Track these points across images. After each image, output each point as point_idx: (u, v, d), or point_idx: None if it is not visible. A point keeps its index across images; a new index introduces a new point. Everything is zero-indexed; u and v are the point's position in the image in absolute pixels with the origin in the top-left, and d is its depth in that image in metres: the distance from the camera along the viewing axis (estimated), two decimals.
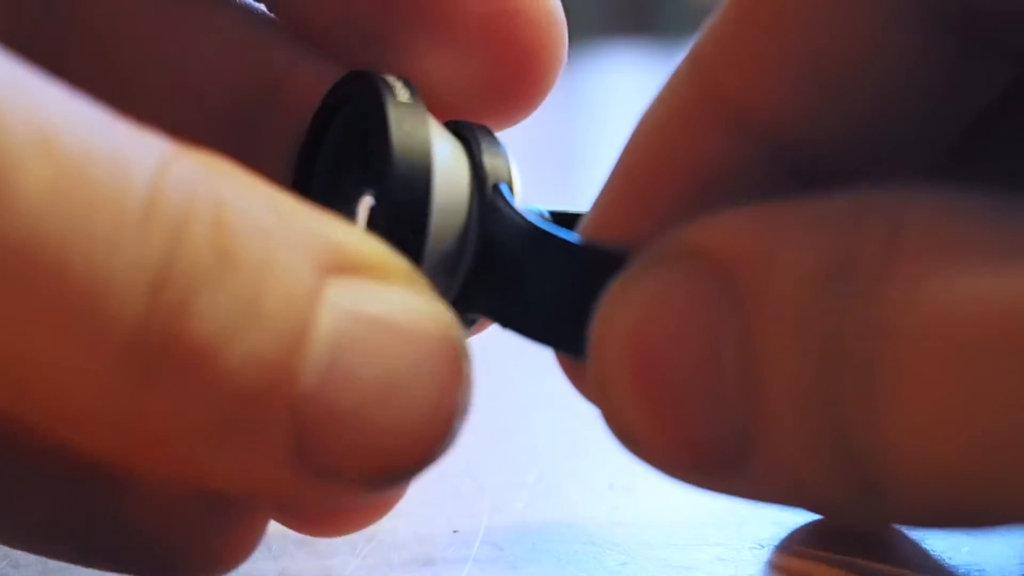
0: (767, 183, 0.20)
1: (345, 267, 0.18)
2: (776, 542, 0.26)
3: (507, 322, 0.22)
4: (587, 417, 0.35)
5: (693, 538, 0.26)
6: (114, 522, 0.20)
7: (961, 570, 0.24)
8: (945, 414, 0.16)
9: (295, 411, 0.17)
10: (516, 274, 0.21)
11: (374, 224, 0.21)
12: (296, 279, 0.17)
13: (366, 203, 0.22)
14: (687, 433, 0.18)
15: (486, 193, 0.21)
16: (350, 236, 0.18)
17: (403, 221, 0.20)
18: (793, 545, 0.26)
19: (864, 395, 0.17)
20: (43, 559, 0.24)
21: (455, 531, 0.26)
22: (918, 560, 0.25)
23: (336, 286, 0.17)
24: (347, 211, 0.22)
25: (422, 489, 0.28)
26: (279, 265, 0.17)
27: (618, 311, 0.19)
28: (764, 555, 0.25)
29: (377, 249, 0.18)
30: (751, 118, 0.20)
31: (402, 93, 0.21)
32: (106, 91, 0.18)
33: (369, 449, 0.17)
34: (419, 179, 0.20)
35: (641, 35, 1.51)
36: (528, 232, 0.21)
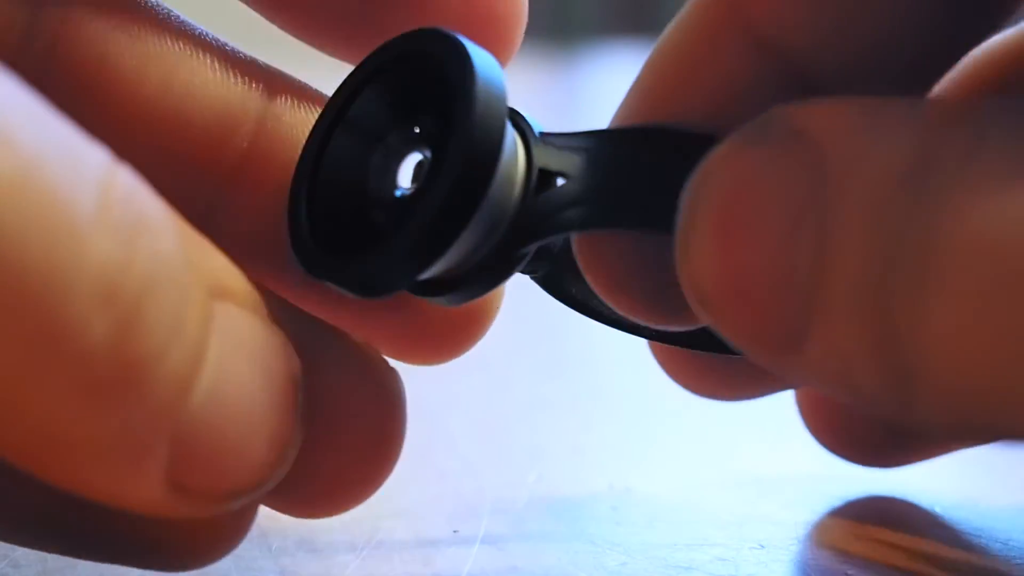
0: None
1: (225, 293, 0.18)
2: (776, 541, 0.26)
3: (594, 222, 0.22)
4: (587, 417, 0.35)
5: (693, 538, 0.26)
6: (105, 515, 0.20)
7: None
8: (985, 326, 0.17)
9: (176, 430, 0.17)
10: (590, 183, 0.22)
11: (426, 179, 0.21)
12: (204, 300, 0.18)
13: (415, 159, 0.22)
14: (756, 303, 0.19)
15: (532, 136, 0.22)
16: (225, 262, 0.19)
17: (472, 172, 0.20)
18: (831, 521, 0.26)
19: (917, 293, 0.17)
20: (43, 558, 0.24)
21: (455, 531, 0.26)
22: (985, 542, 0.26)
23: (220, 311, 0.18)
24: (388, 164, 0.22)
25: (422, 489, 0.28)
26: (195, 284, 0.18)
27: (714, 178, 0.19)
28: (764, 555, 0.25)
29: (240, 276, 0.19)
30: (769, 40, 0.21)
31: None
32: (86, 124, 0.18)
33: (223, 471, 0.18)
34: (496, 131, 0.20)
35: (641, 35, 1.51)
36: (596, 135, 0.22)
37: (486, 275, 0.22)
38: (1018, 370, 0.17)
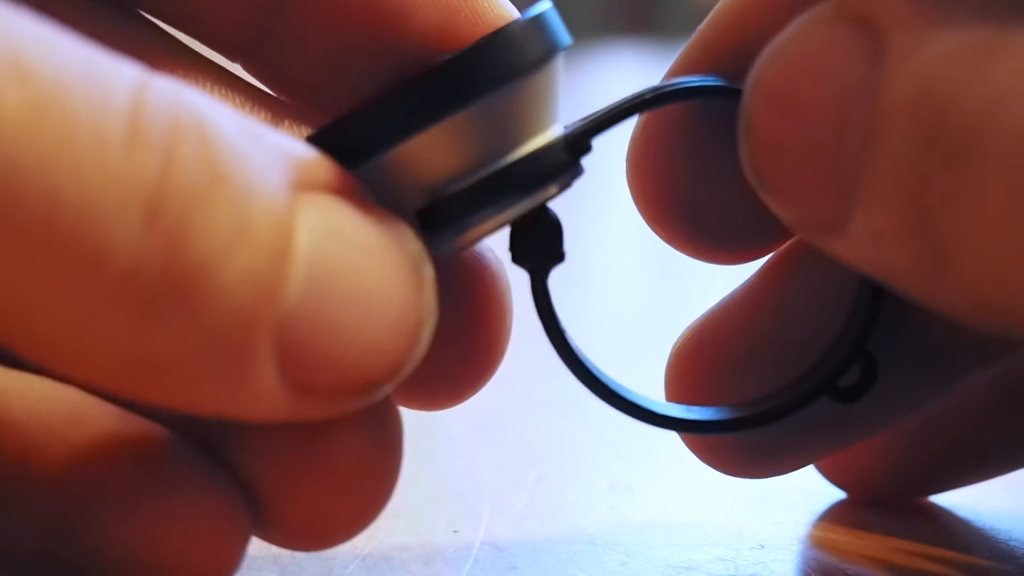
0: None
1: (312, 185, 0.18)
2: (776, 541, 0.26)
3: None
4: (587, 417, 0.35)
5: (693, 538, 0.26)
6: (97, 545, 0.20)
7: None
8: (1017, 215, 0.17)
9: (279, 330, 0.17)
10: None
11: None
12: (277, 197, 0.17)
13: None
14: (806, 179, 0.20)
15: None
16: (312, 154, 0.18)
17: (493, 60, 0.20)
18: (831, 521, 0.26)
19: (954, 176, 0.18)
20: None
21: (455, 531, 0.26)
22: (982, 542, 0.26)
23: (307, 204, 0.18)
24: None
25: (422, 489, 0.28)
26: (262, 181, 0.17)
27: (779, 52, 0.20)
28: (764, 555, 0.25)
29: (334, 167, 0.19)
30: None
31: None
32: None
33: (347, 363, 0.18)
34: (535, 49, 0.21)
35: (641, 35, 1.51)
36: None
37: (474, 203, 0.21)
38: None
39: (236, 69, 0.24)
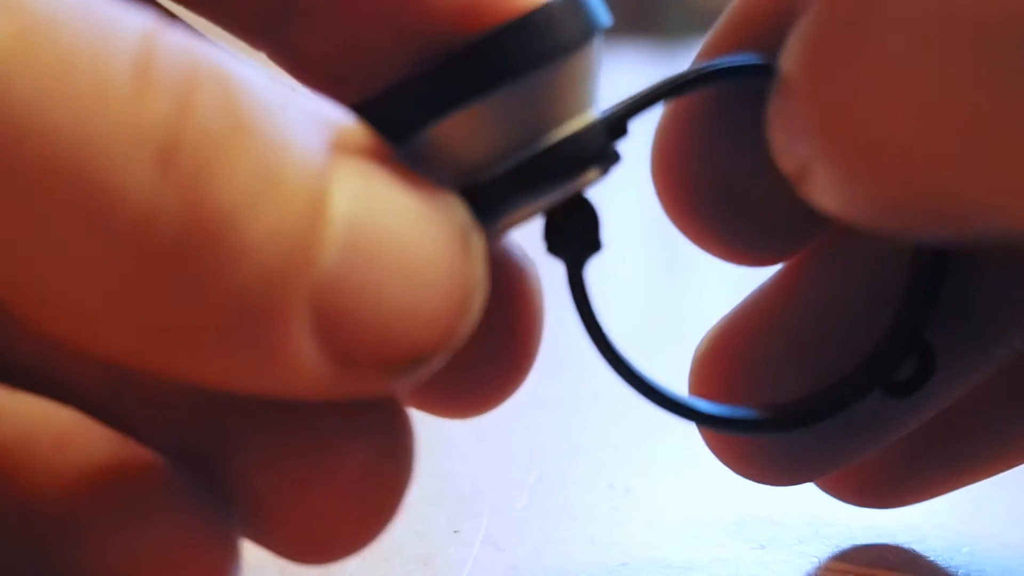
0: None
1: (350, 148, 0.17)
2: (776, 541, 0.26)
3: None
4: (587, 417, 0.35)
5: (693, 538, 0.26)
6: (76, 570, 0.19)
7: (961, 571, 0.24)
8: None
9: (315, 295, 0.16)
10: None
11: None
12: (310, 156, 0.16)
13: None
14: (850, 127, 0.18)
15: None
16: (349, 119, 0.17)
17: (531, 40, 0.19)
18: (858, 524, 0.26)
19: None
20: None
21: (455, 531, 0.26)
22: (917, 564, 0.25)
23: (345, 167, 0.17)
24: None
25: (422, 489, 0.28)
26: (292, 138, 0.16)
27: (814, 19, 0.19)
28: (764, 555, 0.25)
29: (372, 134, 0.18)
30: None
31: None
32: None
33: (393, 333, 0.17)
34: (572, 29, 0.20)
35: (641, 35, 1.51)
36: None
37: (510, 188, 0.20)
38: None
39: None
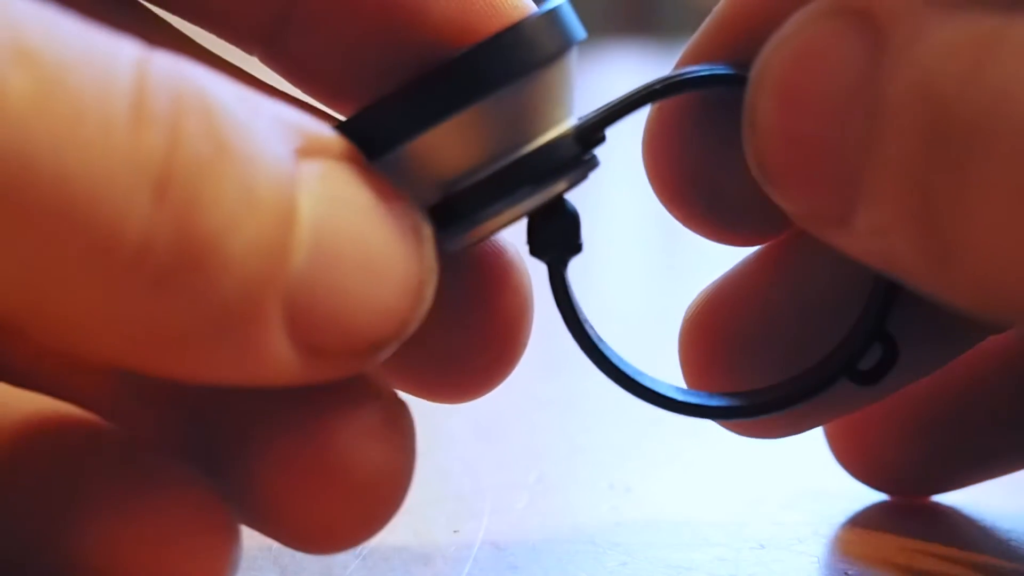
0: None
1: (311, 151, 0.18)
2: (776, 541, 0.26)
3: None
4: (587, 417, 0.35)
5: (693, 538, 0.26)
6: (73, 554, 0.19)
7: None
8: (1020, 213, 0.17)
9: (288, 295, 0.17)
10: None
11: None
12: (279, 165, 0.18)
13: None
14: (809, 174, 0.20)
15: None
16: (308, 120, 0.18)
17: (506, 54, 0.20)
18: (858, 524, 0.26)
19: (960, 171, 0.18)
20: None
21: (455, 531, 0.26)
22: (983, 540, 0.26)
23: (308, 170, 0.18)
24: None
25: (422, 489, 0.28)
26: (264, 150, 0.17)
27: (780, 48, 0.20)
28: (764, 555, 0.25)
29: (331, 133, 0.19)
30: None
31: None
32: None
33: (356, 325, 0.18)
34: (548, 43, 0.21)
35: (641, 35, 1.51)
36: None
37: (486, 196, 0.21)
38: None
39: (251, 64, 0.23)
